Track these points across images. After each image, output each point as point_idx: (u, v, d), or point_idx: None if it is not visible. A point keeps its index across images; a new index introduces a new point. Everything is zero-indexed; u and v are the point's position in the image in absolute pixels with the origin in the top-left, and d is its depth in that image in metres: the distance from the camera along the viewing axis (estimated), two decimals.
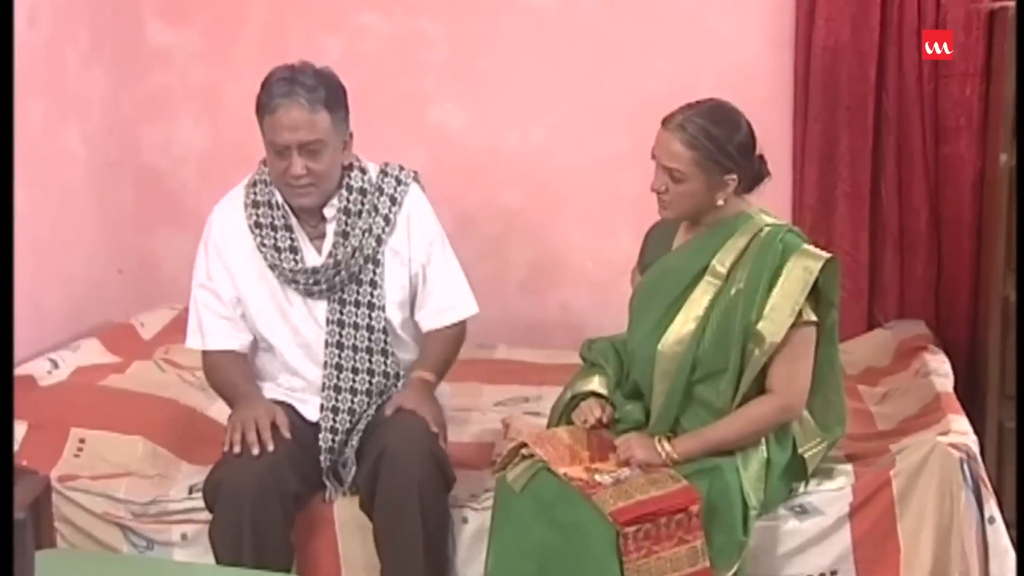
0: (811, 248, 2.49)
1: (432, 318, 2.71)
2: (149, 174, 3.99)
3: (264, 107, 2.55)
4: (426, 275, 2.72)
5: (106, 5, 3.82)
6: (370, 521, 2.50)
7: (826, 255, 2.48)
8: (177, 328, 3.64)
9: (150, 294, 3.91)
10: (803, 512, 2.55)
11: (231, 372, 2.68)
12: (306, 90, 2.53)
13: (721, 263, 2.49)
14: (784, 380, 2.45)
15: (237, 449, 2.46)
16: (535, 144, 3.85)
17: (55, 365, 3.21)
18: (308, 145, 2.53)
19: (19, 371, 3.11)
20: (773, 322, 2.41)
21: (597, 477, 2.42)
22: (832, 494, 2.56)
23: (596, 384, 2.63)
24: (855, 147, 3.56)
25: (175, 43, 3.93)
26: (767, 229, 2.50)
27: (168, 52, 3.94)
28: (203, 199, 3.84)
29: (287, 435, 2.52)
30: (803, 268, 2.44)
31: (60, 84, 3.57)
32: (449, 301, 2.73)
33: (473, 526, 2.58)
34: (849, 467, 2.63)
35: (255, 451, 2.46)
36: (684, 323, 2.49)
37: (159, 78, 3.95)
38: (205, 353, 2.72)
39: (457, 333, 2.73)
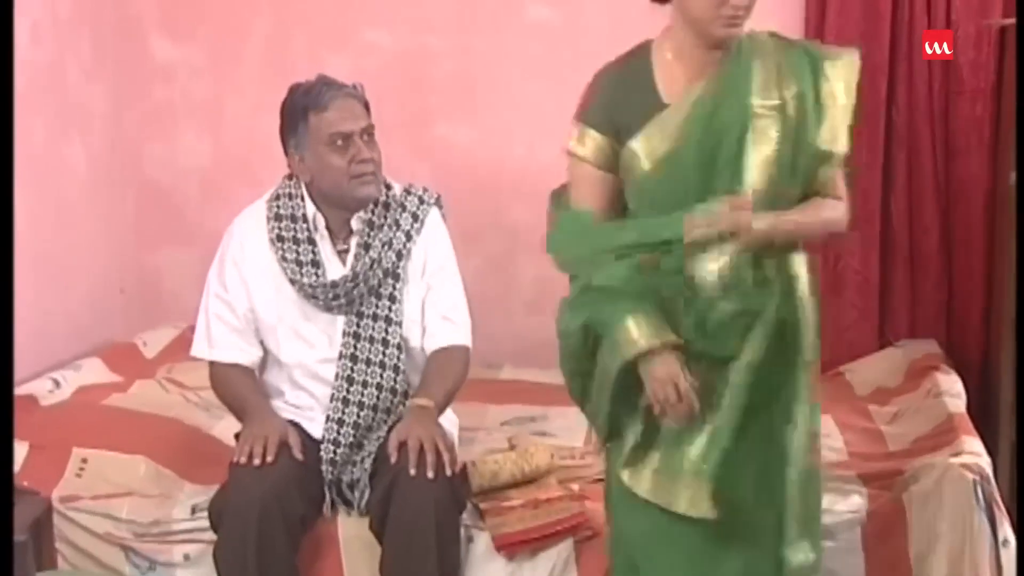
0: (838, 50, 2.28)
1: (432, 338, 2.72)
2: (151, 190, 4.00)
3: (312, 106, 2.61)
4: (431, 297, 2.73)
5: (108, 20, 3.84)
6: (378, 543, 2.50)
7: (854, 51, 2.26)
8: (180, 347, 3.65)
9: (153, 312, 3.92)
10: None
11: (240, 386, 2.70)
12: (350, 88, 2.66)
13: (765, 91, 2.17)
14: (841, 189, 2.30)
15: (244, 460, 2.48)
16: (542, 160, 3.82)
17: (57, 384, 3.21)
18: (367, 130, 2.64)
19: (20, 390, 3.11)
20: (835, 134, 2.21)
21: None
22: (844, 517, 2.56)
23: (656, 331, 2.14)
24: (865, 164, 3.56)
25: (178, 58, 3.95)
26: (783, 43, 2.24)
27: (171, 67, 3.96)
28: (206, 215, 3.88)
29: (299, 456, 2.54)
30: (845, 71, 2.21)
31: (62, 100, 3.59)
32: (450, 324, 2.74)
33: (480, 546, 2.59)
34: (861, 489, 2.64)
35: (256, 461, 2.47)
36: (758, 169, 2.17)
37: (161, 93, 3.97)
38: (212, 364, 2.74)
39: (459, 362, 2.73)
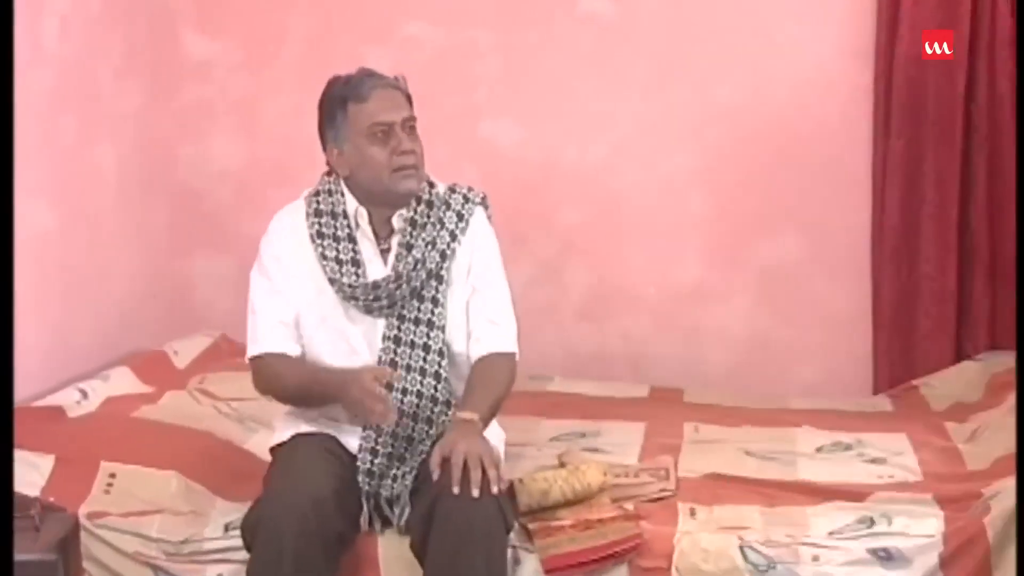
0: None
1: (477, 344, 2.70)
2: (184, 193, 4.02)
3: (352, 97, 2.62)
4: (476, 301, 2.71)
5: (141, 16, 3.86)
6: (420, 565, 2.48)
7: None
8: (213, 356, 3.68)
9: (185, 320, 3.93)
10: (888, 559, 2.49)
11: (301, 370, 2.65)
12: (391, 79, 2.67)
13: None
14: None
15: (391, 416, 2.47)
16: (594, 161, 3.84)
17: (84, 395, 3.22)
18: (409, 122, 2.64)
19: (47, 402, 3.13)
20: None
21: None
22: (921, 541, 2.50)
23: None
24: (942, 166, 3.52)
25: (213, 55, 3.98)
26: None
27: (205, 65, 3.98)
28: (241, 219, 3.90)
29: (393, 381, 2.55)
30: None
31: (92, 99, 3.62)
32: (497, 329, 2.71)
33: (528, 569, 2.55)
34: (939, 511, 2.59)
35: (391, 419, 2.47)
36: None
37: (196, 92, 3.99)
38: (259, 361, 2.68)
39: (505, 371, 2.69)
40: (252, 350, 2.70)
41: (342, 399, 2.58)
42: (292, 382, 2.67)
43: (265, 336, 2.68)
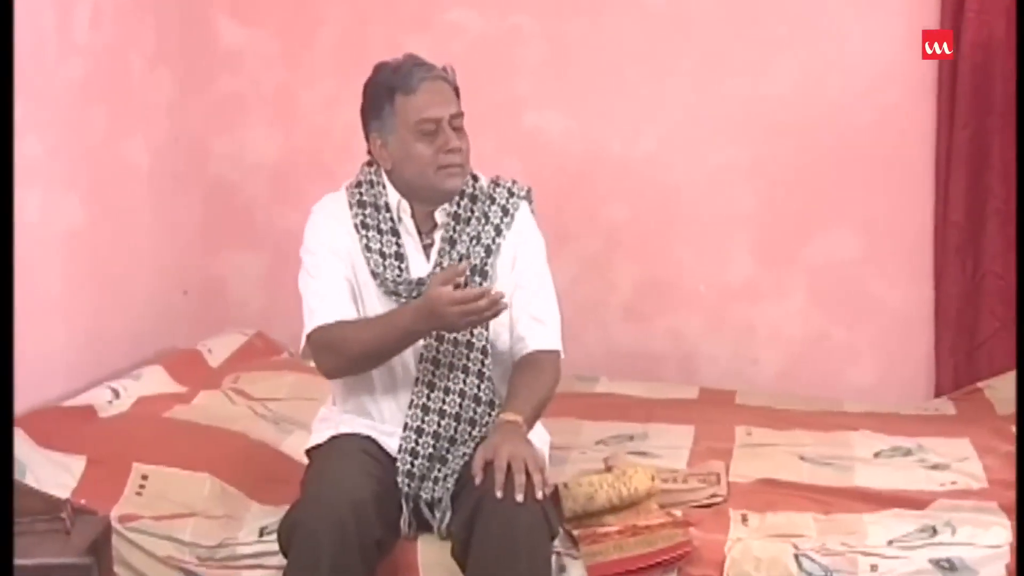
0: None
1: (520, 341, 2.70)
2: (218, 187, 4.05)
3: (400, 87, 2.61)
4: (520, 297, 2.71)
5: (173, 5, 3.89)
6: (461, 571, 2.48)
7: None
8: (247, 355, 3.70)
9: (218, 318, 3.96)
10: (951, 569, 2.47)
11: (362, 325, 2.61)
12: (440, 70, 2.66)
13: None
14: None
15: (499, 297, 2.47)
16: (642, 153, 3.83)
17: (116, 395, 3.25)
18: (456, 118, 2.64)
19: (78, 401, 3.16)
20: None
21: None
22: (986, 551, 2.48)
23: None
24: (1009, 157, 3.49)
25: (246, 45, 4.00)
26: None
27: (239, 55, 4.00)
28: (275, 214, 3.92)
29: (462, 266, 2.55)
30: None
31: (124, 90, 3.64)
32: (541, 327, 2.71)
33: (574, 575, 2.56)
34: (1005, 520, 2.56)
35: (503, 301, 2.46)
36: None
37: (229, 83, 4.02)
38: (319, 333, 2.63)
39: (549, 371, 2.69)
40: (311, 324, 2.65)
41: (436, 325, 2.54)
42: (365, 337, 2.61)
43: (321, 306, 2.65)
